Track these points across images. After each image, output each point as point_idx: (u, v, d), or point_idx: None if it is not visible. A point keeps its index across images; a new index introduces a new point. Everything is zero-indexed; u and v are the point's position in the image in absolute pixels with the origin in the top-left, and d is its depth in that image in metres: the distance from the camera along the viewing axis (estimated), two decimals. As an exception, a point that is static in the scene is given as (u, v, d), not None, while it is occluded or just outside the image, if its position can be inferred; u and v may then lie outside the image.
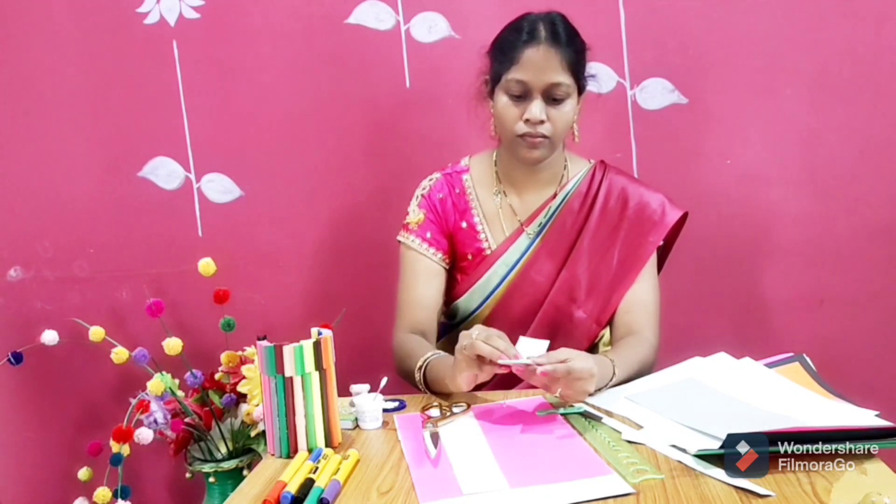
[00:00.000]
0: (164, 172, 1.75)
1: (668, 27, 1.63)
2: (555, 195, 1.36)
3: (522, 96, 1.24)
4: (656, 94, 1.65)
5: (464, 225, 1.36)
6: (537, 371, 1.03)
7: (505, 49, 1.26)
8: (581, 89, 1.29)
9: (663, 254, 1.41)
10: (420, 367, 1.20)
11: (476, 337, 1.06)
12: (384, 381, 1.16)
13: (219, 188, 1.75)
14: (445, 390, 1.18)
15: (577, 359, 1.05)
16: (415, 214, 1.36)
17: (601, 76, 1.65)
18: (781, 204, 1.65)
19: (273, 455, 1.02)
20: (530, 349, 1.09)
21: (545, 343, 1.11)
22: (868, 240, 1.63)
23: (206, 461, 1.52)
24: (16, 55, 1.72)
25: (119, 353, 1.55)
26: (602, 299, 1.32)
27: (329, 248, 1.74)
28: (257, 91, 1.71)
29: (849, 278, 1.64)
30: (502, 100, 1.26)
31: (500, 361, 1.05)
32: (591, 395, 1.10)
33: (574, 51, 1.25)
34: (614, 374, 1.15)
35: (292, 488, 0.87)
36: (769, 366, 1.13)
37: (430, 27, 1.68)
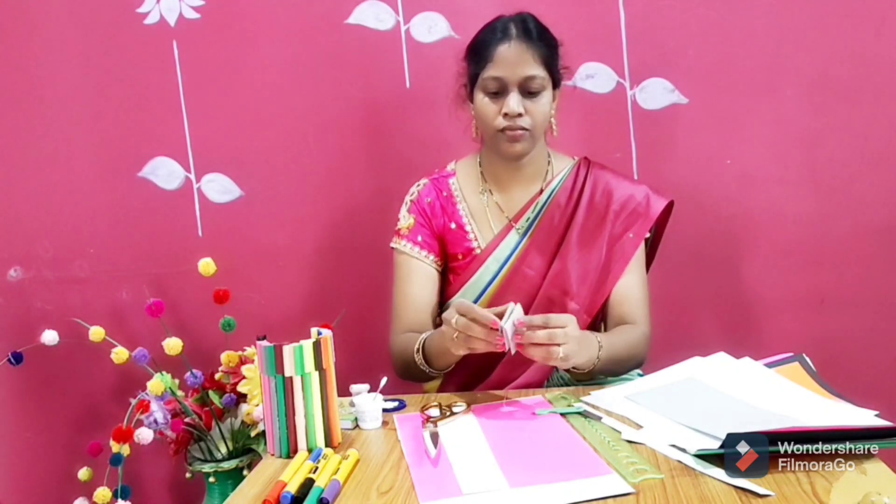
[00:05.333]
0: (164, 172, 1.75)
1: (668, 27, 1.63)
2: (541, 191, 1.38)
3: (499, 93, 1.28)
4: (656, 94, 1.65)
5: (452, 226, 1.38)
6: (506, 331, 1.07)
7: (479, 50, 1.30)
8: (556, 83, 1.32)
9: (654, 243, 1.43)
10: (417, 349, 1.25)
11: (457, 323, 1.10)
12: (384, 381, 1.17)
13: (219, 188, 1.75)
14: (448, 359, 1.22)
15: (561, 319, 1.10)
16: (405, 220, 1.39)
17: (601, 76, 1.65)
18: (781, 204, 1.65)
19: (273, 455, 1.03)
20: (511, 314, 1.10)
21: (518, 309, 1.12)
22: (868, 240, 1.63)
23: (206, 461, 1.52)
24: (16, 55, 1.72)
25: (119, 353, 1.55)
26: (592, 289, 1.35)
27: (329, 248, 1.74)
28: (257, 91, 1.71)
29: (849, 278, 1.64)
30: (481, 98, 1.30)
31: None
32: (579, 369, 1.17)
33: (545, 45, 1.29)
34: (600, 345, 1.19)
35: (292, 488, 0.87)
36: (769, 366, 1.13)
37: (430, 27, 1.68)
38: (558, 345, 1.07)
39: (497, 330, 1.08)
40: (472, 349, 1.11)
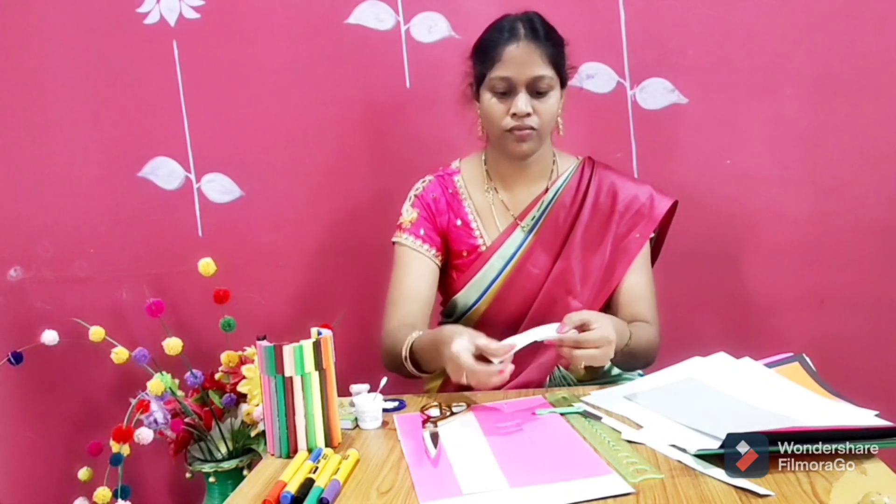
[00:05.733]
0: (164, 172, 1.75)
1: (668, 27, 1.63)
2: (546, 190, 1.39)
3: (507, 93, 1.28)
4: (656, 94, 1.65)
5: (458, 223, 1.38)
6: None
7: (487, 49, 1.30)
8: (563, 82, 1.32)
9: (658, 243, 1.43)
10: (406, 348, 1.22)
11: (463, 358, 1.05)
12: (384, 381, 1.17)
13: (219, 188, 1.75)
14: (437, 365, 1.18)
15: (594, 322, 1.09)
16: (408, 214, 1.39)
17: (601, 76, 1.65)
18: (781, 204, 1.65)
19: (273, 455, 1.03)
20: (543, 333, 1.12)
21: (555, 325, 1.13)
22: (868, 240, 1.63)
23: (206, 461, 1.52)
24: (16, 55, 1.72)
25: (119, 353, 1.55)
26: (595, 289, 1.35)
27: (329, 248, 1.74)
28: (257, 91, 1.71)
29: (849, 278, 1.64)
30: (488, 98, 1.30)
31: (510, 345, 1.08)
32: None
33: (553, 45, 1.29)
34: (630, 335, 1.20)
35: (292, 488, 0.87)
36: (769, 366, 1.13)
37: (430, 27, 1.68)
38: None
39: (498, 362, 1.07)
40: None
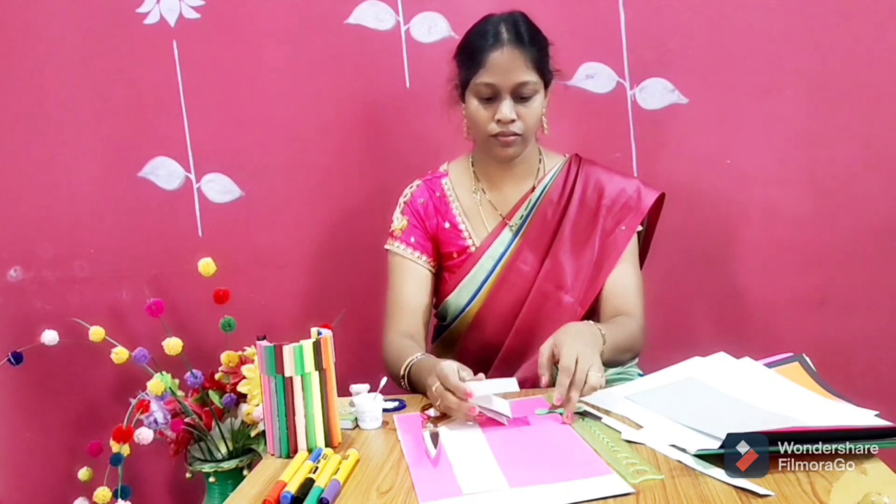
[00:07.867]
0: (164, 172, 1.75)
1: (668, 27, 1.63)
2: (533, 188, 1.39)
3: (492, 98, 1.28)
4: (656, 94, 1.65)
5: (446, 225, 1.39)
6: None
7: (471, 54, 1.30)
8: (547, 84, 1.32)
9: (647, 238, 1.44)
10: (405, 369, 1.23)
11: (435, 390, 1.07)
12: (384, 381, 1.17)
13: (219, 188, 1.75)
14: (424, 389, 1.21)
15: (562, 348, 1.07)
16: (398, 221, 1.40)
17: (601, 76, 1.65)
18: (781, 204, 1.65)
19: (273, 455, 1.03)
20: (498, 387, 1.07)
21: (513, 381, 1.08)
22: (868, 240, 1.63)
23: (206, 461, 1.52)
24: (16, 55, 1.72)
25: (119, 353, 1.55)
26: (586, 283, 1.36)
27: (329, 249, 1.74)
28: (257, 91, 1.72)
29: (849, 279, 1.64)
30: (473, 103, 1.30)
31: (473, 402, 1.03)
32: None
33: (537, 49, 1.29)
34: (604, 337, 1.18)
35: (292, 488, 0.87)
36: (769, 366, 1.13)
37: (430, 27, 1.68)
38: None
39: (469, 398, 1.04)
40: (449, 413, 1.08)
